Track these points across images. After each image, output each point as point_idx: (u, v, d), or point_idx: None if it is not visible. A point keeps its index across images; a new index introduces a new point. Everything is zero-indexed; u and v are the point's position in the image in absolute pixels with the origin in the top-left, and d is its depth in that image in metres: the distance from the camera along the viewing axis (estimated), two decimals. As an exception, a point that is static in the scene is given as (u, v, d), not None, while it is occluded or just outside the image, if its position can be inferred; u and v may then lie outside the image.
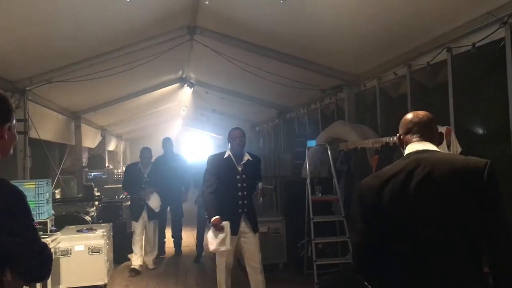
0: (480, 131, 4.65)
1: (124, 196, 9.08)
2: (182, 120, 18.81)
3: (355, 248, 2.31)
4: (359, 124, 6.86)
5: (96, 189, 9.68)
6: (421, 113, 2.30)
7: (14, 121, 1.94)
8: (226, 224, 4.71)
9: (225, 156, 5.00)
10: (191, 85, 10.04)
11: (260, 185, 5.02)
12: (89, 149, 13.12)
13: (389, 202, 2.09)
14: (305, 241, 6.30)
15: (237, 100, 10.61)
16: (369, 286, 2.33)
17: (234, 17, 5.99)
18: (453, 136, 3.75)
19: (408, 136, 2.26)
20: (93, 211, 8.31)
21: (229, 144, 5.04)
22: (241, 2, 5.52)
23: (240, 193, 4.89)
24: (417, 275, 2.05)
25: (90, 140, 11.88)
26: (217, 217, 4.73)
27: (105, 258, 6.17)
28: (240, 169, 4.95)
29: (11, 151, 1.95)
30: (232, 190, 4.89)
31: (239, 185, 4.90)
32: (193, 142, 21.82)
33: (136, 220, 7.26)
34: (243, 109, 11.88)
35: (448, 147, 3.68)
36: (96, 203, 8.63)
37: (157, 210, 7.25)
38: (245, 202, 4.92)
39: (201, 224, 7.84)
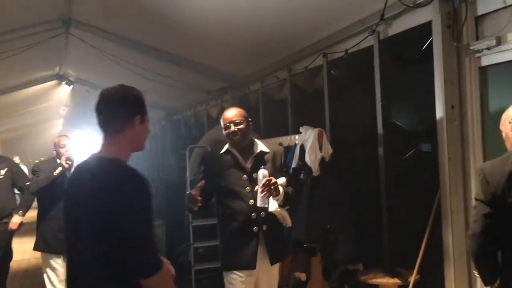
0: (352, 133, 4.86)
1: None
2: (63, 121, 17.66)
3: (474, 237, 2.02)
4: (243, 126, 6.88)
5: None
6: None
7: (147, 115, 2.00)
8: None
9: (222, 152, 3.29)
10: (69, 82, 9.42)
11: (261, 172, 3.05)
12: None
13: None
14: (185, 245, 6.16)
15: (121, 100, 10.16)
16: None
17: (115, 11, 5.68)
18: (324, 138, 3.86)
19: None
20: None
21: (225, 134, 3.28)
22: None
23: (251, 202, 3.15)
24: None
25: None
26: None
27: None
28: (249, 166, 3.24)
29: (145, 145, 2.02)
30: (240, 199, 3.18)
31: (247, 189, 3.19)
32: (77, 144, 20.54)
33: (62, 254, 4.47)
34: (128, 109, 11.41)
35: (320, 148, 3.78)
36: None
37: None
38: (261, 215, 3.18)
39: None
